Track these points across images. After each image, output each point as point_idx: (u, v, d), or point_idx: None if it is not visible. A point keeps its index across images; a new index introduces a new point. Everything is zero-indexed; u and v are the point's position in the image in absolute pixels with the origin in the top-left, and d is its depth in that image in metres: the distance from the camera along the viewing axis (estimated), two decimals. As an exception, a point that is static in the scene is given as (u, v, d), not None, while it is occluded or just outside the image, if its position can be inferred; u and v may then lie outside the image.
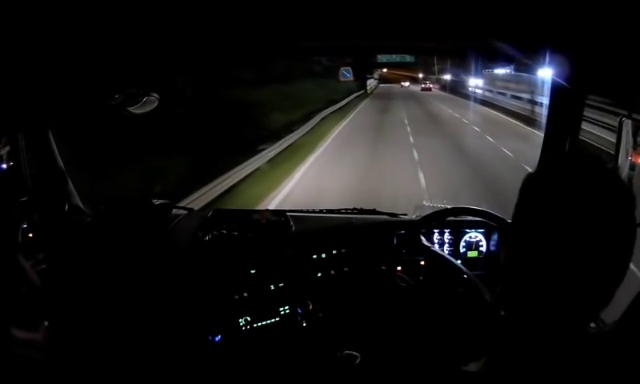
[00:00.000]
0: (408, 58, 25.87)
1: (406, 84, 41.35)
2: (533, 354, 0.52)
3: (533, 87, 13.42)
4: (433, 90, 34.33)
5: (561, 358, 0.50)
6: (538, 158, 1.50)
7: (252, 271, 1.43)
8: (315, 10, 0.95)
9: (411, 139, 10.72)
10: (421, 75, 42.58)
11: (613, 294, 0.50)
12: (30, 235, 1.46)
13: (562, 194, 0.50)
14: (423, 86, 36.45)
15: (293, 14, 0.96)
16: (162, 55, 1.18)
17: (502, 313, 0.57)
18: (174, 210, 1.68)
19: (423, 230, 1.51)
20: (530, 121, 12.77)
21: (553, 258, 0.50)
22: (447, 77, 34.03)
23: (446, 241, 1.56)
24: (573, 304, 0.50)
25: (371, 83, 33.64)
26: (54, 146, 1.56)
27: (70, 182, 1.62)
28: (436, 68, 36.92)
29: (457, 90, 28.63)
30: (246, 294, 1.42)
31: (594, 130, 4.65)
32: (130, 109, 1.33)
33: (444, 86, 34.30)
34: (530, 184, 0.54)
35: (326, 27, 1.11)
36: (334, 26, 1.10)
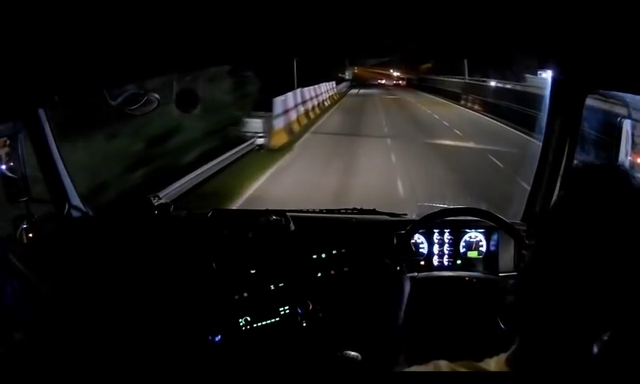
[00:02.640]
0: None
1: (382, 81, 37.98)
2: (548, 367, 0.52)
3: None
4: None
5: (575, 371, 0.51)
6: None
7: (252, 271, 1.43)
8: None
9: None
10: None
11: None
12: (30, 235, 1.46)
13: (589, 209, 0.49)
14: (395, 82, 35.94)
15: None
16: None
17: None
18: (174, 210, 1.68)
19: (422, 230, 1.51)
20: None
21: (577, 274, 0.49)
22: (492, 83, 15.40)
23: (446, 241, 1.56)
24: (594, 319, 0.50)
25: (323, 95, 17.05)
26: (54, 146, 1.56)
27: (70, 182, 1.62)
28: (466, 68, 19.11)
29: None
30: (245, 294, 1.42)
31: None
32: (130, 109, 1.33)
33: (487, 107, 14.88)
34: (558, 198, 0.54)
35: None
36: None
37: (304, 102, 13.22)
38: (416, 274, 1.22)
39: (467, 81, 19.35)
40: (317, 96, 15.85)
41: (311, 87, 14.63)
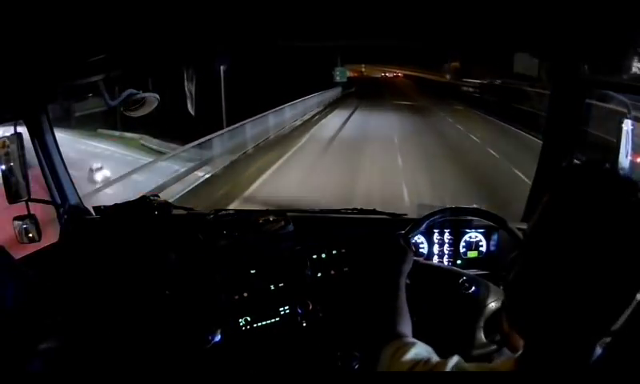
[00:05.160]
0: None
1: (386, 74, 38.30)
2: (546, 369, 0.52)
3: None
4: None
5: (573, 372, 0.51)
6: None
7: (252, 271, 1.43)
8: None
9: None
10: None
11: (623, 310, 0.50)
12: (30, 235, 1.46)
13: (579, 211, 0.50)
14: (394, 74, 35.10)
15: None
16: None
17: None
18: (174, 210, 1.68)
19: (422, 230, 1.51)
20: None
21: (568, 275, 0.49)
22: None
23: (446, 241, 1.55)
24: (587, 320, 0.50)
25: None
26: (54, 146, 1.56)
27: (70, 182, 1.62)
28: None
29: None
30: (245, 294, 1.42)
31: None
32: (130, 109, 1.33)
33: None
34: (551, 201, 0.54)
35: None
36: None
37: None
38: (420, 258, 1.23)
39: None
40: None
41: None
